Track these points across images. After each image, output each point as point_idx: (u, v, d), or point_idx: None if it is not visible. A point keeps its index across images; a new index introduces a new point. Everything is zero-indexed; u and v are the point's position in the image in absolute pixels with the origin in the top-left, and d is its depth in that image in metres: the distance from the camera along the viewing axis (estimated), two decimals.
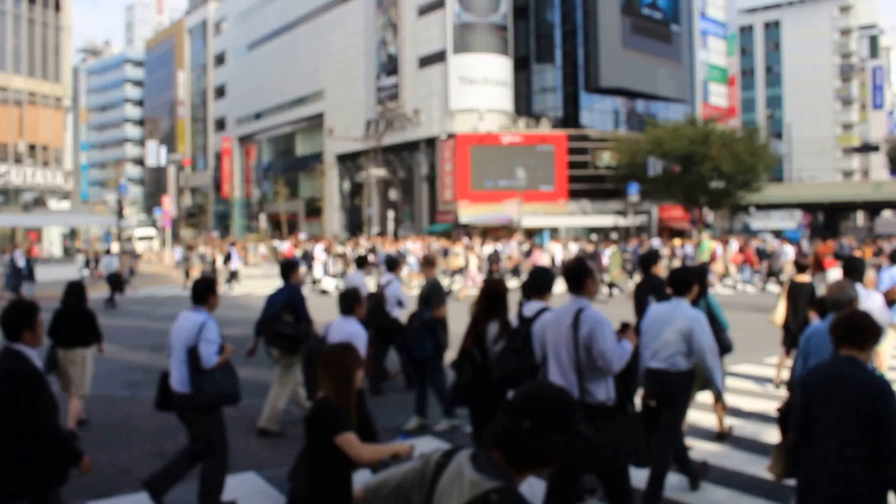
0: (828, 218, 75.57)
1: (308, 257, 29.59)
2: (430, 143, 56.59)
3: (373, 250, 30.30)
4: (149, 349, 14.04)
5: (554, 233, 49.32)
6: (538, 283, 5.80)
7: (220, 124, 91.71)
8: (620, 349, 4.87)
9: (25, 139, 49.55)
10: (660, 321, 5.75)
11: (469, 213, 51.68)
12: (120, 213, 40.30)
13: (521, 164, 49.53)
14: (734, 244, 29.26)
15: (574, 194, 53.61)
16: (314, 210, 69.52)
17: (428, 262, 9.64)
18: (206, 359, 5.77)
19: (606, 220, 51.70)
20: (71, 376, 8.17)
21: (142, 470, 6.44)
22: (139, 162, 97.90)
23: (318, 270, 28.09)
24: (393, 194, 53.11)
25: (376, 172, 52.17)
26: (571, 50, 57.52)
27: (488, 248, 28.72)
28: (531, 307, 5.62)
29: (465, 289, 23.72)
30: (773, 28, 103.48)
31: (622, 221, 49.29)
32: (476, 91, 54.38)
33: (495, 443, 2.27)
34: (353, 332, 6.19)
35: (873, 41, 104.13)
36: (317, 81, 70.39)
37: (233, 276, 28.02)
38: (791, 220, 64.59)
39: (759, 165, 50.44)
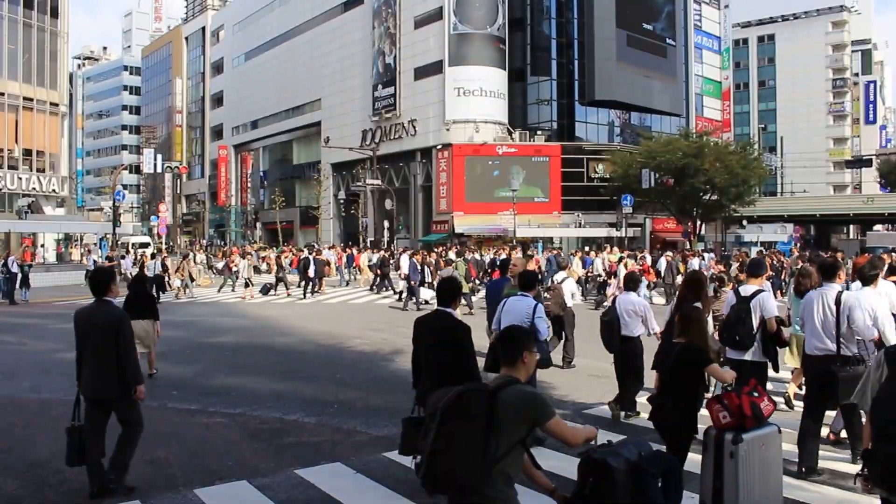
0: (819, 231, 76.02)
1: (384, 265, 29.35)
2: (426, 153, 56.84)
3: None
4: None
5: (547, 243, 49.51)
6: (754, 269, 8.05)
7: (217, 132, 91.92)
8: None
9: (21, 145, 49.65)
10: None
11: (464, 223, 51.90)
12: (116, 220, 40.28)
13: (516, 175, 49.81)
14: (648, 257, 30.05)
15: (568, 206, 53.85)
16: (310, 219, 69.65)
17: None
18: None
19: (600, 232, 51.98)
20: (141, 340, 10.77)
21: (134, 476, 6.55)
22: (135, 169, 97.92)
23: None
24: (388, 204, 53.25)
25: (372, 182, 52.32)
26: (567, 62, 57.91)
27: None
28: (747, 289, 7.68)
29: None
30: (767, 42, 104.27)
31: (615, 233, 49.53)
32: (472, 102, 54.65)
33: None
34: (637, 301, 9.05)
35: (866, 56, 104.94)
36: (314, 90, 70.64)
37: (310, 282, 27.62)
38: (783, 233, 64.90)
39: (752, 179, 50.73)
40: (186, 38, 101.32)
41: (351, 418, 9.15)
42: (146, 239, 61.08)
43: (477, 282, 27.35)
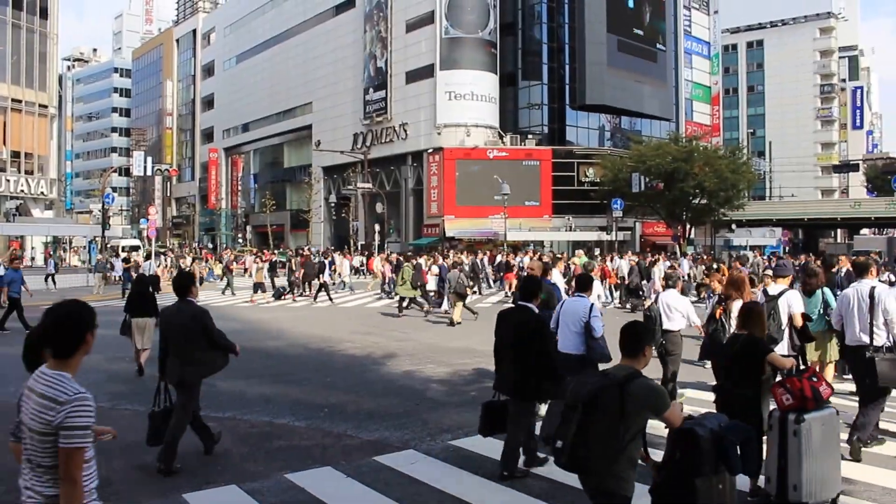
0: (807, 235, 76.33)
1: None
2: (417, 157, 56.91)
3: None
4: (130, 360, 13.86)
5: (538, 247, 49.58)
6: (780, 270, 9.13)
7: (208, 135, 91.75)
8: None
9: (9, 146, 49.47)
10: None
11: (455, 226, 51.95)
12: (105, 223, 40.10)
13: (507, 178, 49.86)
14: (620, 261, 29.84)
15: (558, 209, 53.97)
16: (300, 222, 69.60)
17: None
18: None
19: (590, 236, 52.11)
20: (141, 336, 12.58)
21: (123, 481, 6.53)
22: (125, 172, 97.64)
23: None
24: (379, 207, 53.28)
25: (363, 186, 52.32)
26: (558, 67, 58.09)
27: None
28: (775, 288, 8.66)
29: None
30: (755, 48, 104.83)
31: (606, 237, 49.67)
32: (463, 106, 54.76)
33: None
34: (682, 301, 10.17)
35: (853, 62, 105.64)
36: (305, 94, 70.62)
37: (323, 286, 27.26)
38: (772, 237, 65.12)
39: (741, 183, 50.81)
40: (177, 41, 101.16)
41: (342, 422, 9.15)
42: (136, 242, 60.92)
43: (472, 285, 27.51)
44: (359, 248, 51.07)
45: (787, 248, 63.71)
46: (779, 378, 6.16)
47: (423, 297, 23.14)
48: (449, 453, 7.76)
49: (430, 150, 55.08)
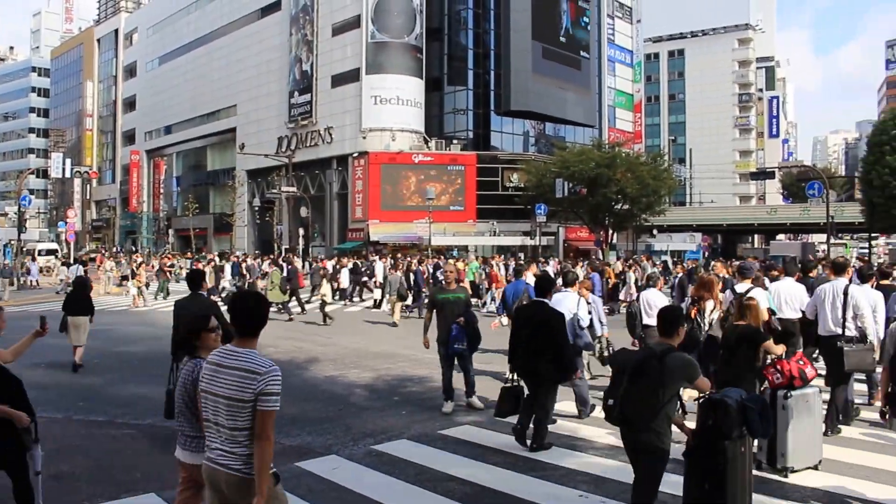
0: (726, 240, 78.58)
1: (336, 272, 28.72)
2: (342, 161, 56.72)
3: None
4: (46, 367, 13.49)
5: (462, 252, 49.87)
6: (744, 271, 10.32)
7: (129, 137, 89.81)
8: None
9: None
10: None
11: (379, 231, 51.92)
12: (21, 226, 39.01)
13: (432, 183, 50.10)
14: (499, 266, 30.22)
15: (483, 214, 54.41)
16: (224, 226, 68.62)
17: None
18: None
19: (514, 241, 52.66)
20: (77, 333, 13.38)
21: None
22: (43, 173, 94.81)
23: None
24: (304, 211, 52.85)
25: (287, 189, 51.87)
26: (483, 73, 58.64)
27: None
28: (741, 287, 9.63)
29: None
30: (677, 57, 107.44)
31: (530, 241, 50.19)
32: (389, 111, 54.77)
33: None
34: (661, 299, 10.70)
35: (769, 73, 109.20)
36: (229, 96, 69.70)
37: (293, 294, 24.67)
38: (692, 242, 66.79)
39: (662, 189, 51.86)
40: (98, 40, 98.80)
41: None
42: (53, 245, 59.24)
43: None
44: (283, 252, 50.63)
45: (706, 254, 65.45)
46: (769, 361, 7.23)
47: (299, 303, 23.73)
48: (372, 458, 7.76)
49: (356, 155, 54.96)
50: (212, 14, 73.02)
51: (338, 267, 29.80)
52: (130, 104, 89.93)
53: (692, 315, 9.78)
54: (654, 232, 62.89)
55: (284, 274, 24.19)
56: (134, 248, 76.30)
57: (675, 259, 50.96)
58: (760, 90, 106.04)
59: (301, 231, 51.50)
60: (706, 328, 9.49)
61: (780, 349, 7.26)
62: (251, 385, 3.78)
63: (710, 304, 9.72)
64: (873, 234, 55.01)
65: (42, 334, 6.10)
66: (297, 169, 55.58)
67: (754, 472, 6.44)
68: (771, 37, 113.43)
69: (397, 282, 21.65)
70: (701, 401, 5.37)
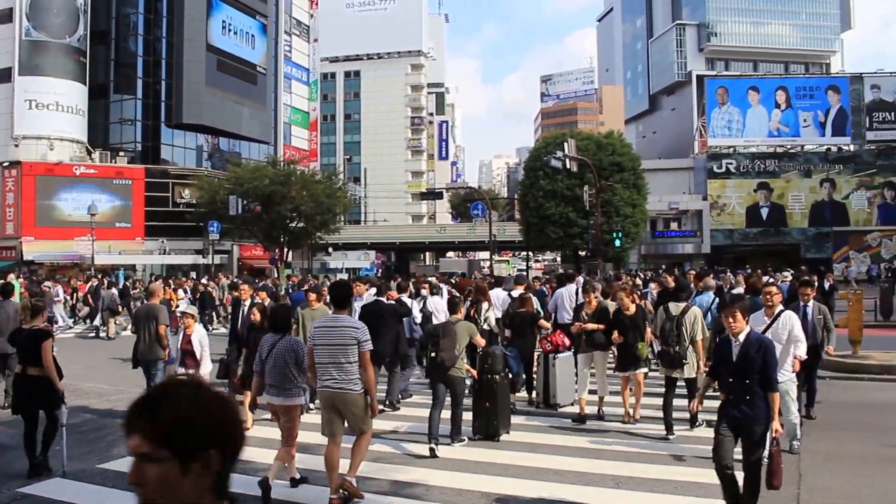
0: (399, 258, 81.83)
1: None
2: None
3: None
4: None
5: (129, 271, 47.02)
6: (518, 279, 15.15)
7: None
8: None
9: None
10: None
11: (35, 249, 47.16)
12: None
13: (96, 198, 46.64)
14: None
15: (152, 231, 51.71)
16: None
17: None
18: None
19: (186, 259, 50.73)
20: None
21: None
22: None
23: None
24: None
25: None
26: (154, 82, 55.90)
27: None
28: (516, 292, 13.10)
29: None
30: (353, 78, 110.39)
31: (202, 260, 48.57)
32: (46, 117, 50.01)
33: None
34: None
35: (440, 98, 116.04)
36: None
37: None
38: (366, 260, 68.57)
39: (337, 207, 52.85)
40: None
41: None
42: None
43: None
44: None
45: (379, 271, 67.54)
46: (544, 334, 11.76)
47: None
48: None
49: (6, 164, 49.47)
50: None
51: None
52: None
53: (471, 314, 11.74)
54: (330, 250, 63.74)
55: None
56: None
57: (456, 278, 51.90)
58: (431, 114, 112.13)
59: None
60: (482, 323, 11.58)
61: (548, 324, 12.44)
62: (355, 334, 6.76)
63: (485, 306, 12.15)
64: (531, 252, 60.10)
65: None
66: None
67: (534, 409, 11.19)
68: (442, 64, 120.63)
69: (109, 298, 23.26)
70: (480, 352, 9.70)
